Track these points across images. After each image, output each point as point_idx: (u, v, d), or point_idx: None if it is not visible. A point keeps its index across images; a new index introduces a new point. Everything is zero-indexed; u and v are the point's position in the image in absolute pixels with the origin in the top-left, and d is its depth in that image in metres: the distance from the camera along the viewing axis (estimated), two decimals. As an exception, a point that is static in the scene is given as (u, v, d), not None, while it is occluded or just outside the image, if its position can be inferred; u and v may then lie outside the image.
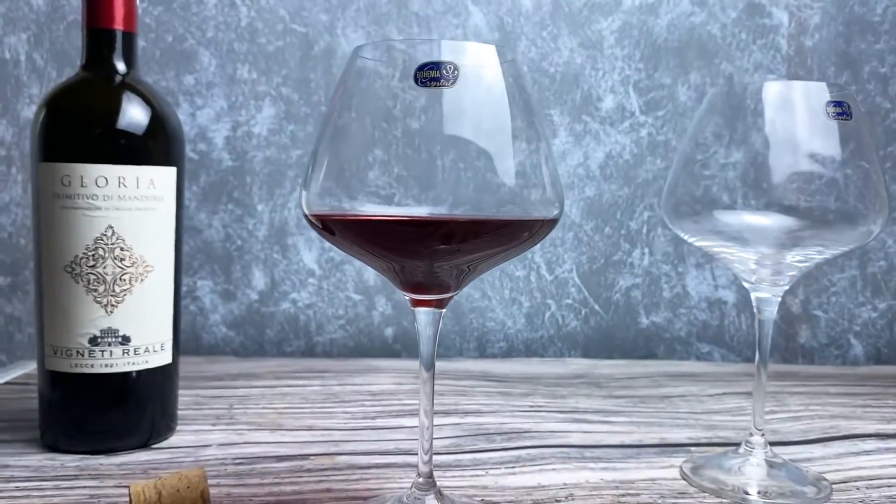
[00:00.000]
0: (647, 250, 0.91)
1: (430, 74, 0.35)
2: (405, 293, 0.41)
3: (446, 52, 0.36)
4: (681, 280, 0.92)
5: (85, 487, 0.45)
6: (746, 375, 0.79)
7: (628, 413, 0.64)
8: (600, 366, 0.83)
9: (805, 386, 0.75)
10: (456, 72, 0.35)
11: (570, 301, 0.91)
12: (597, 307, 0.92)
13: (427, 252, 0.37)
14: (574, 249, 0.91)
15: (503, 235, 0.37)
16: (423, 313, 0.41)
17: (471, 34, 0.88)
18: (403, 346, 0.91)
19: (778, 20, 0.91)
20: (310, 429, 0.58)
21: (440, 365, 0.80)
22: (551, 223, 0.38)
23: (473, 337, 0.91)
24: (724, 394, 0.71)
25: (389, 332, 0.90)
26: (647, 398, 0.69)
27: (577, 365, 0.83)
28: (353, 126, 0.37)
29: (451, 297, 0.41)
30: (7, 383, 0.68)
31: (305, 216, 0.39)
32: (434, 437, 0.57)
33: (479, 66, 0.36)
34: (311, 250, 0.89)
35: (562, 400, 0.68)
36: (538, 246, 0.90)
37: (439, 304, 0.41)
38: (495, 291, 0.91)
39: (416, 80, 0.35)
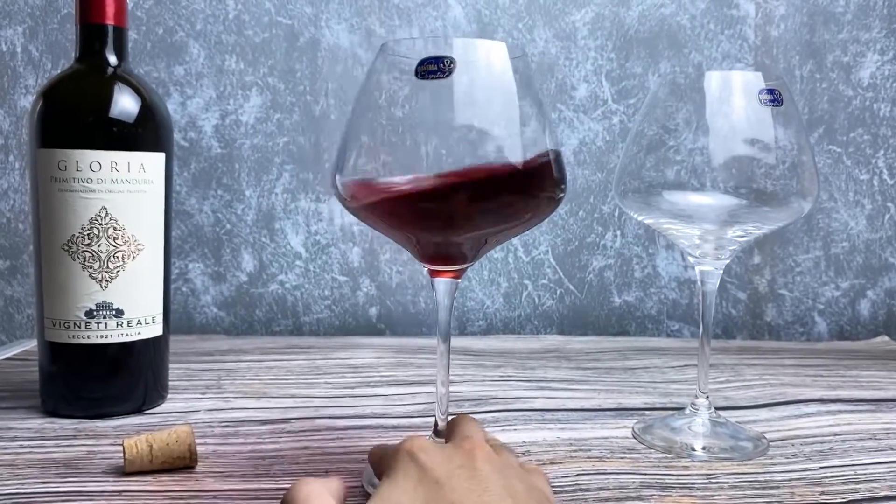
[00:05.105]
0: (619, 233, 0.95)
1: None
2: (424, 265, 0.44)
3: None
4: (651, 261, 0.96)
5: (83, 445, 0.50)
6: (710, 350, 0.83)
7: (592, 382, 0.68)
8: (573, 341, 0.87)
9: (764, 359, 0.79)
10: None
11: (545, 281, 0.96)
12: (571, 287, 0.96)
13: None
14: (549, 232, 0.95)
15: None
16: (441, 283, 0.44)
17: (450, 26, 0.92)
18: (387, 325, 0.95)
19: (745, 11, 0.95)
20: (292, 396, 0.62)
21: (423, 342, 0.84)
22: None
23: (454, 316, 0.95)
24: (685, 365, 0.75)
25: (373, 311, 0.94)
26: (612, 369, 0.73)
27: (551, 341, 0.87)
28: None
29: (467, 267, 0.44)
30: (8, 359, 0.73)
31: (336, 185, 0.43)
32: (409, 402, 0.61)
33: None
34: (298, 234, 0.93)
35: (531, 371, 0.72)
36: (515, 229, 0.94)
37: (456, 275, 0.44)
38: (475, 272, 0.95)
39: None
